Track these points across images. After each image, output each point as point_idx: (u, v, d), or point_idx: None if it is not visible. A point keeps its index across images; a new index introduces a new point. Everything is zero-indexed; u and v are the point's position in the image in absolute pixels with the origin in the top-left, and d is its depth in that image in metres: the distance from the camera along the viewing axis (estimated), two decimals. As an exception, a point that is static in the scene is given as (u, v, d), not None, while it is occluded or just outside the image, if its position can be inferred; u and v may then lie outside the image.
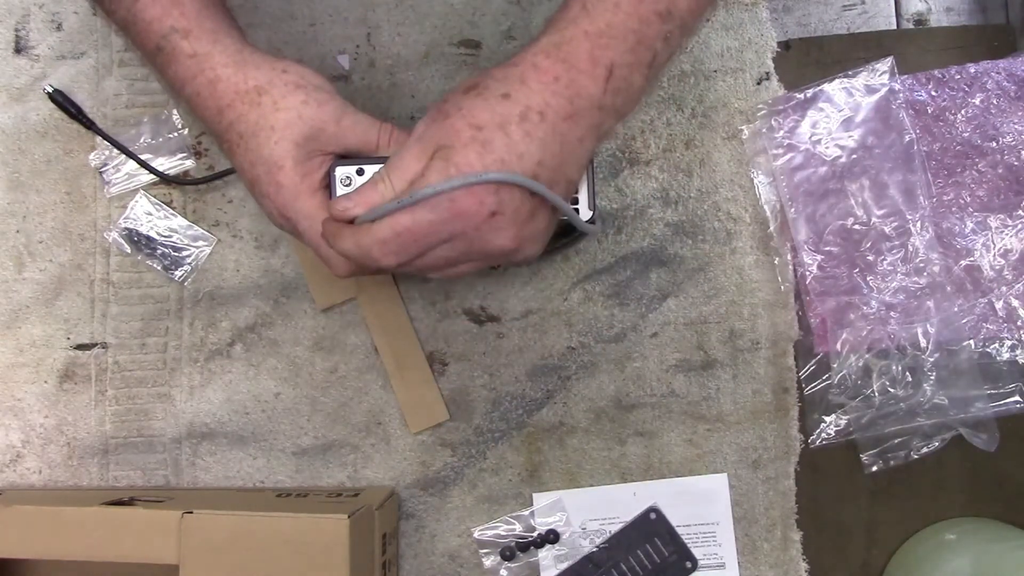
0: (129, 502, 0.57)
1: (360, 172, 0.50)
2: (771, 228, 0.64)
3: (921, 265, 0.62)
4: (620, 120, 0.48)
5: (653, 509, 0.63)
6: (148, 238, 0.66)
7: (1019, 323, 0.62)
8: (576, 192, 0.52)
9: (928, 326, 0.62)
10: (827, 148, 0.63)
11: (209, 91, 0.49)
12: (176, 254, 0.66)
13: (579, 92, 0.44)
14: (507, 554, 0.63)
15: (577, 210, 0.52)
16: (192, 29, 0.50)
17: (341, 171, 0.51)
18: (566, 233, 0.57)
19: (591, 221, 0.53)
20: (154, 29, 0.50)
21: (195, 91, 0.50)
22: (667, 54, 0.48)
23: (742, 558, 0.63)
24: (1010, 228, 0.63)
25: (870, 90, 0.63)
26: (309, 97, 0.49)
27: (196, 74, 0.49)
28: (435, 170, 0.43)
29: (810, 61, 0.65)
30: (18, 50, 0.67)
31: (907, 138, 0.63)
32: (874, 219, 0.63)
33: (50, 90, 0.65)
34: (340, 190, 0.50)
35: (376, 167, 0.50)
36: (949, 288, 0.62)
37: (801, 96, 0.64)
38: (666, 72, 0.65)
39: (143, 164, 0.65)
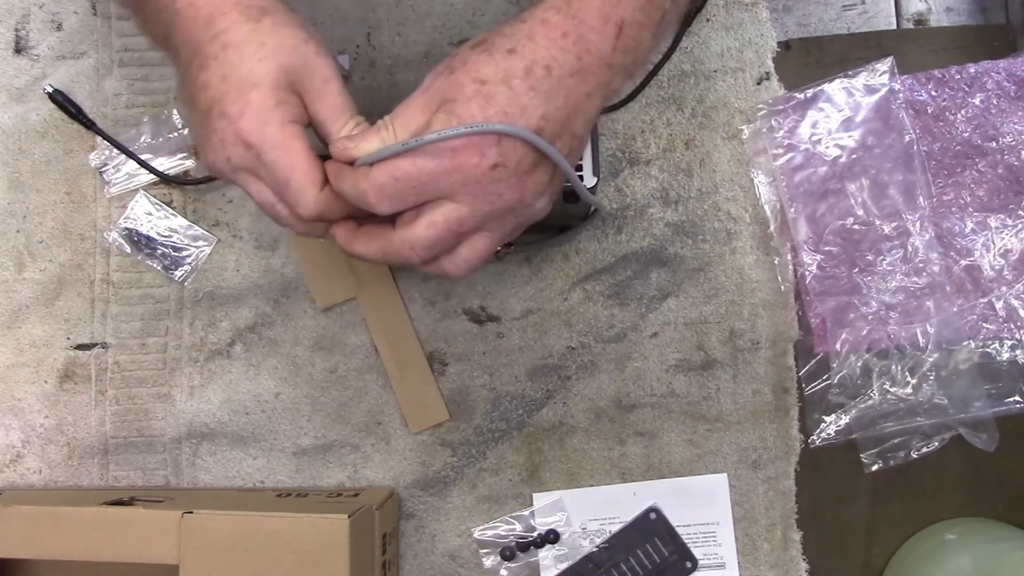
0: (129, 502, 0.57)
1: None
2: (771, 228, 0.64)
3: (921, 265, 0.62)
4: (628, 79, 0.47)
5: (653, 509, 0.63)
6: (148, 238, 0.66)
7: (1019, 323, 0.62)
8: (580, 158, 0.51)
9: (928, 326, 0.62)
10: (827, 148, 0.63)
11: None
12: (176, 254, 0.66)
13: (588, 48, 0.43)
14: (507, 554, 0.63)
15: (581, 176, 0.52)
16: None
17: None
18: (569, 223, 0.56)
19: (593, 189, 0.52)
20: None
21: (189, 0, 0.44)
22: (675, 13, 0.47)
23: (742, 558, 0.63)
24: (1010, 228, 0.63)
25: (870, 90, 0.63)
26: (311, 40, 0.45)
27: None
28: (439, 122, 0.42)
29: (810, 61, 0.65)
30: (18, 50, 0.67)
31: (907, 138, 0.63)
32: (874, 219, 0.63)
33: (50, 90, 0.65)
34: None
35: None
36: (949, 288, 0.62)
37: (801, 96, 0.64)
38: (666, 72, 0.65)
39: (143, 164, 0.65)
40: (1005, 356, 0.62)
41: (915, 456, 0.62)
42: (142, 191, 0.66)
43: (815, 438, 0.63)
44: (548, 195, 0.47)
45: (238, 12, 0.44)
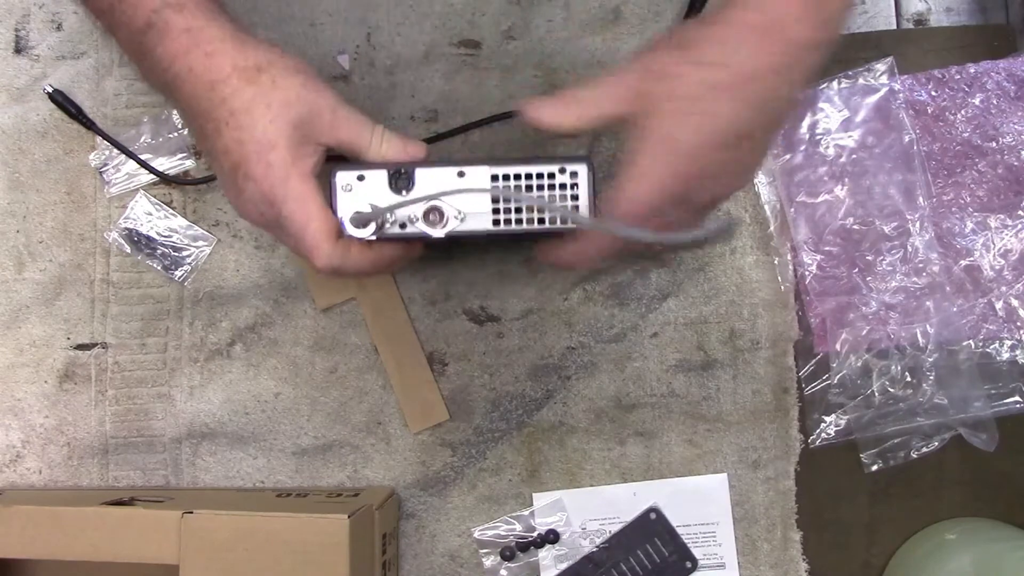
0: (129, 502, 0.57)
1: (361, 179, 0.49)
2: (771, 228, 0.64)
3: (921, 265, 0.62)
4: (830, 50, 0.45)
5: (653, 509, 0.63)
6: (148, 238, 0.66)
7: (1019, 323, 0.62)
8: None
9: (928, 326, 0.62)
10: (827, 148, 0.63)
11: (204, 64, 0.46)
12: (176, 254, 0.66)
13: (789, 39, 0.42)
14: (507, 554, 0.63)
15: (576, 207, 0.51)
16: (186, 4, 0.47)
17: (342, 176, 0.49)
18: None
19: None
20: (146, 3, 0.47)
21: (188, 66, 0.46)
22: None
23: (742, 558, 0.63)
24: (1010, 228, 0.63)
25: (870, 90, 0.63)
26: (308, 80, 0.47)
27: (191, 48, 0.46)
28: (634, 140, 0.44)
29: (810, 61, 0.65)
30: (18, 50, 0.67)
31: (907, 138, 0.63)
32: (874, 219, 0.63)
33: (50, 90, 0.65)
34: (341, 196, 0.49)
35: (376, 172, 0.49)
36: (949, 288, 0.62)
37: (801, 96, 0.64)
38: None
39: (143, 164, 0.65)
40: (1005, 356, 0.62)
41: (915, 456, 0.62)
42: (142, 191, 0.66)
43: (815, 438, 0.63)
44: (753, 172, 0.49)
45: (237, 77, 0.46)
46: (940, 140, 0.63)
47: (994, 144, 0.63)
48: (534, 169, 0.50)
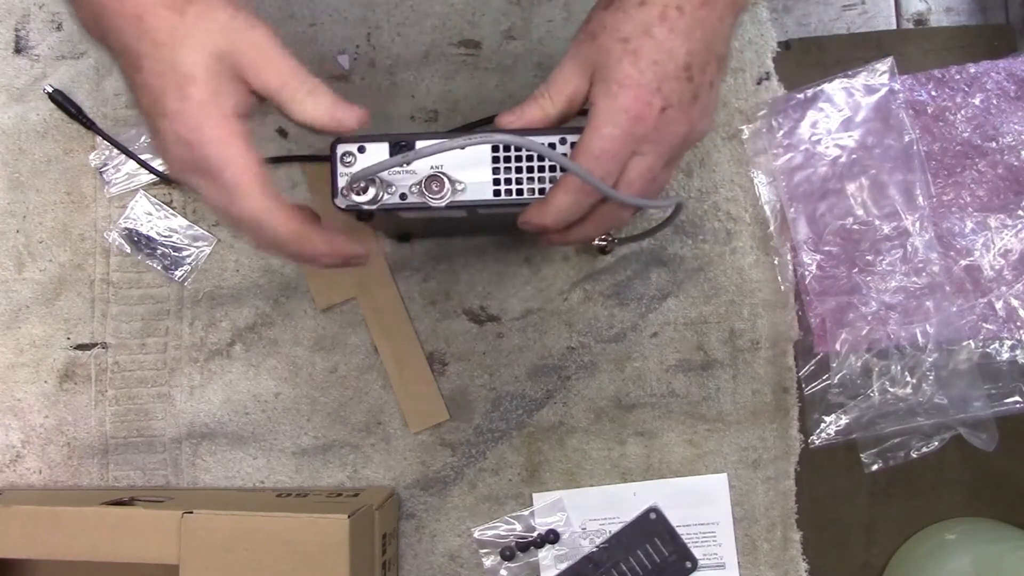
0: (129, 502, 0.57)
1: (362, 150, 0.48)
2: (771, 228, 0.64)
3: (920, 265, 0.62)
4: None
5: (653, 509, 0.63)
6: (148, 238, 0.66)
7: (1019, 323, 0.62)
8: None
9: (928, 326, 0.62)
10: (827, 148, 0.63)
11: None
12: (176, 254, 0.66)
13: None
14: (507, 554, 0.63)
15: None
16: None
17: (342, 147, 0.48)
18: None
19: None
20: None
21: None
22: None
23: (742, 558, 0.63)
24: (1010, 228, 0.63)
25: (870, 90, 0.63)
26: (239, 14, 0.44)
27: None
28: (600, 94, 0.45)
29: (810, 61, 0.65)
30: (18, 50, 0.67)
31: (907, 138, 0.63)
32: (874, 219, 0.63)
33: (50, 90, 0.65)
34: (340, 168, 0.48)
35: (377, 144, 0.48)
36: (949, 288, 0.62)
37: (801, 96, 0.64)
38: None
39: (143, 164, 0.65)
40: (1005, 356, 0.62)
41: (915, 456, 0.62)
42: (142, 191, 0.66)
43: (815, 438, 0.63)
44: (711, 115, 0.49)
45: (163, 6, 0.43)
46: (940, 140, 0.63)
47: (994, 144, 0.63)
48: (535, 139, 0.50)
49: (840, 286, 0.63)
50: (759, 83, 0.65)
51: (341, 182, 0.48)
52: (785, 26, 0.66)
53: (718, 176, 0.65)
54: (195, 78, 0.42)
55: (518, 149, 0.50)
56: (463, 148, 0.46)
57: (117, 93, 0.66)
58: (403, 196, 0.49)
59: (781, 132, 0.64)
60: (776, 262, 0.64)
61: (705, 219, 0.64)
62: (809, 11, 0.66)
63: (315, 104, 0.44)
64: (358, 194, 0.47)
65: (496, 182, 0.49)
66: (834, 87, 0.63)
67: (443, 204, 0.49)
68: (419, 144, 0.49)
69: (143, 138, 0.65)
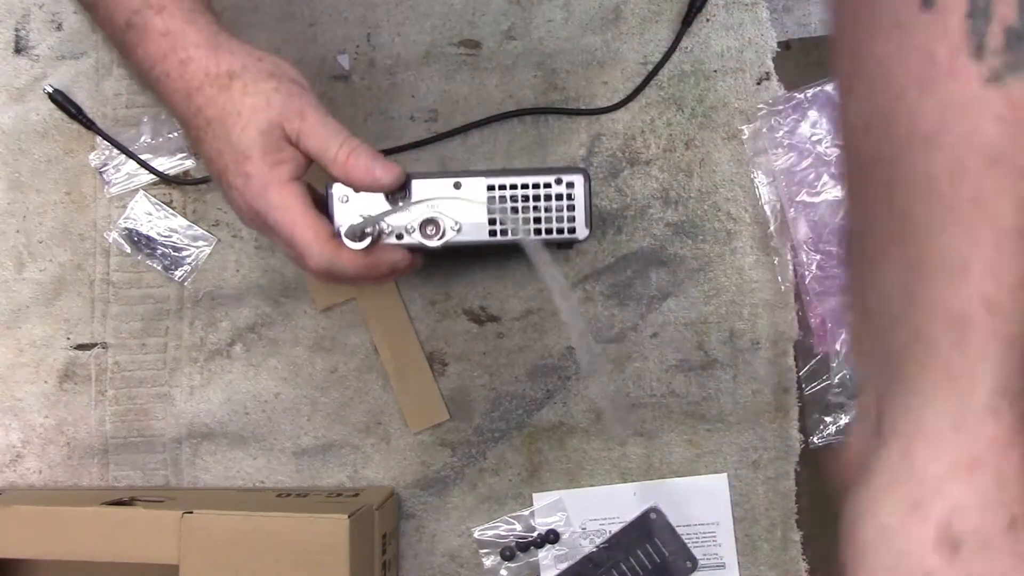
0: (129, 502, 0.57)
1: (357, 190, 0.49)
2: (771, 228, 0.64)
3: (921, 265, 0.62)
4: None
5: (653, 509, 0.63)
6: (148, 238, 0.66)
7: (1019, 323, 0.62)
8: (574, 220, 0.51)
9: (928, 326, 0.62)
10: (827, 148, 0.63)
11: (179, 72, 0.46)
12: (176, 254, 0.66)
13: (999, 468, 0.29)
14: (507, 554, 0.63)
15: (574, 229, 0.52)
16: (166, 5, 0.47)
17: (339, 189, 0.49)
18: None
19: (585, 240, 0.52)
20: (125, 3, 0.47)
21: (165, 72, 0.47)
22: None
23: (742, 558, 0.63)
24: (1010, 228, 0.63)
25: (870, 90, 0.63)
26: (280, 85, 0.47)
27: (167, 53, 0.47)
28: None
29: (810, 61, 0.65)
30: (18, 50, 0.67)
31: (907, 138, 0.63)
32: (874, 219, 0.63)
33: (50, 90, 0.65)
34: (338, 207, 0.49)
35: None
36: (949, 288, 0.62)
37: (801, 96, 0.64)
38: (666, 72, 0.65)
39: (143, 164, 0.65)
40: (1005, 356, 0.62)
41: (915, 456, 0.62)
42: (142, 191, 0.66)
43: (815, 438, 0.63)
44: None
45: (209, 85, 0.46)
46: (940, 140, 0.63)
47: (994, 144, 0.63)
48: (530, 180, 0.50)
49: (840, 286, 0.63)
50: (759, 83, 0.65)
51: (337, 221, 0.49)
52: (785, 26, 0.66)
53: (718, 176, 0.65)
54: (251, 156, 0.46)
55: (514, 188, 0.50)
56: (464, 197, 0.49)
57: (117, 93, 0.66)
58: (399, 237, 0.50)
59: (781, 132, 0.64)
60: (776, 262, 0.64)
61: (705, 219, 0.64)
62: (809, 11, 0.66)
63: (355, 165, 0.47)
64: (353, 240, 0.48)
65: (492, 222, 0.50)
66: (834, 87, 0.63)
67: (439, 246, 0.49)
68: (415, 184, 0.50)
69: (143, 138, 0.65)
